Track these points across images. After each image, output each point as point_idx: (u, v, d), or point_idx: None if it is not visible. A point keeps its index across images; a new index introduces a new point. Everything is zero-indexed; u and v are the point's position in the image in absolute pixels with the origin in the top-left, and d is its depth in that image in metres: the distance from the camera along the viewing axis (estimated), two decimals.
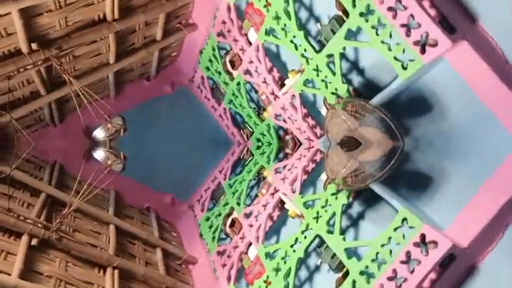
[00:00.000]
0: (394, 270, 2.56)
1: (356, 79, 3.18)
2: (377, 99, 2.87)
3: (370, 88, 3.07)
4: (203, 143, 4.78)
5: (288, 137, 4.11)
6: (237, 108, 4.42)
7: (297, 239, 3.24)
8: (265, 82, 3.79)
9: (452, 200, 2.65)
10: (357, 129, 2.98)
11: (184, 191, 4.78)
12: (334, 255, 2.96)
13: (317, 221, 3.14)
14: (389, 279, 2.57)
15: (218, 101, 4.65)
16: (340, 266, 2.94)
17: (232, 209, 4.13)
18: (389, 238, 2.65)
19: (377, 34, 2.68)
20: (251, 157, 4.42)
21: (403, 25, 2.55)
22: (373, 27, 2.69)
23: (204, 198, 4.69)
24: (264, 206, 3.74)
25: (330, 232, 3.04)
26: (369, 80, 3.13)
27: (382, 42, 2.67)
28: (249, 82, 4.11)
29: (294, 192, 3.52)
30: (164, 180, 4.69)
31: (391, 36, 2.63)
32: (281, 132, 4.21)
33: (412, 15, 2.51)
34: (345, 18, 2.89)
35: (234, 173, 4.58)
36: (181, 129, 4.76)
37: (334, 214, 3.07)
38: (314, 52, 3.15)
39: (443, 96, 2.73)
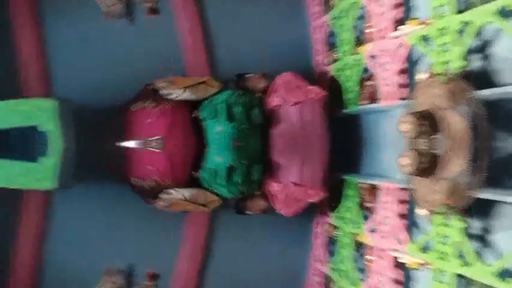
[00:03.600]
0: None
1: (477, 62, 2.85)
2: (485, 93, 2.61)
3: (484, 79, 2.77)
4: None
5: (368, 83, 3.90)
6: (336, 28, 4.15)
7: None
8: (382, 16, 3.48)
9: None
10: (444, 110, 2.77)
11: None
12: (487, 286, 2.57)
13: (446, 260, 2.73)
14: None
15: (323, 10, 4.36)
16: None
17: None
18: None
19: None
20: (337, 230, 4.01)
21: None
22: None
23: None
24: (381, 273, 3.33)
25: (467, 264, 2.60)
26: (489, 70, 2.81)
27: None
28: (363, 7, 3.79)
29: (402, 243, 3.13)
30: None
31: None
32: (364, 75, 3.99)
33: None
34: None
35: (331, 254, 4.15)
36: (269, 22, 4.49)
37: (458, 244, 2.70)
38: (453, 11, 2.81)
39: None
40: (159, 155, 3.46)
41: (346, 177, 3.97)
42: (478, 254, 2.64)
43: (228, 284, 4.14)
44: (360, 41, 3.95)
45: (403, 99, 3.31)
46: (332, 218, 4.07)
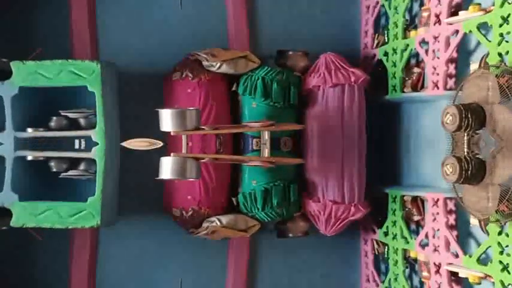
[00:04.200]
0: None
1: None
2: None
3: None
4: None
5: (415, 70, 3.70)
6: (389, 9, 3.92)
7: None
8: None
9: None
10: (493, 105, 2.57)
11: None
12: None
13: (508, 272, 2.59)
14: None
15: None
16: None
17: None
18: None
19: None
20: (386, 247, 3.78)
21: None
22: None
23: None
24: None
25: None
26: None
27: None
28: None
29: (457, 256, 2.98)
30: None
31: None
32: (412, 61, 3.78)
33: None
34: None
35: (382, 273, 3.94)
36: None
37: None
38: None
39: None
40: (194, 183, 3.42)
41: (388, 190, 3.76)
42: None
43: None
44: (412, 25, 3.73)
45: (450, 89, 3.12)
46: (379, 235, 3.79)
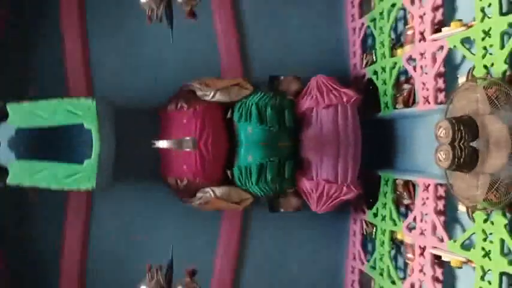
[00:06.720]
0: None
1: None
2: None
3: None
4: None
5: (405, 87, 3.77)
6: (375, 29, 4.04)
7: None
8: (422, 18, 3.35)
9: None
10: (484, 116, 2.62)
11: None
12: None
13: (489, 258, 2.63)
14: None
15: (361, 12, 4.27)
16: None
17: None
18: None
19: None
20: (374, 228, 3.91)
21: None
22: None
23: None
24: (421, 270, 3.23)
25: None
26: None
27: None
28: (404, 9, 3.67)
29: (442, 240, 3.04)
30: None
31: None
32: (402, 78, 3.86)
33: None
34: None
35: (368, 252, 4.05)
36: (305, 24, 4.41)
37: (503, 241, 2.55)
38: (498, 13, 2.65)
39: None
40: (190, 153, 3.52)
41: (381, 173, 3.86)
42: None
43: (265, 281, 4.18)
44: (399, 43, 3.83)
45: (441, 103, 3.18)
46: (369, 216, 3.91)
